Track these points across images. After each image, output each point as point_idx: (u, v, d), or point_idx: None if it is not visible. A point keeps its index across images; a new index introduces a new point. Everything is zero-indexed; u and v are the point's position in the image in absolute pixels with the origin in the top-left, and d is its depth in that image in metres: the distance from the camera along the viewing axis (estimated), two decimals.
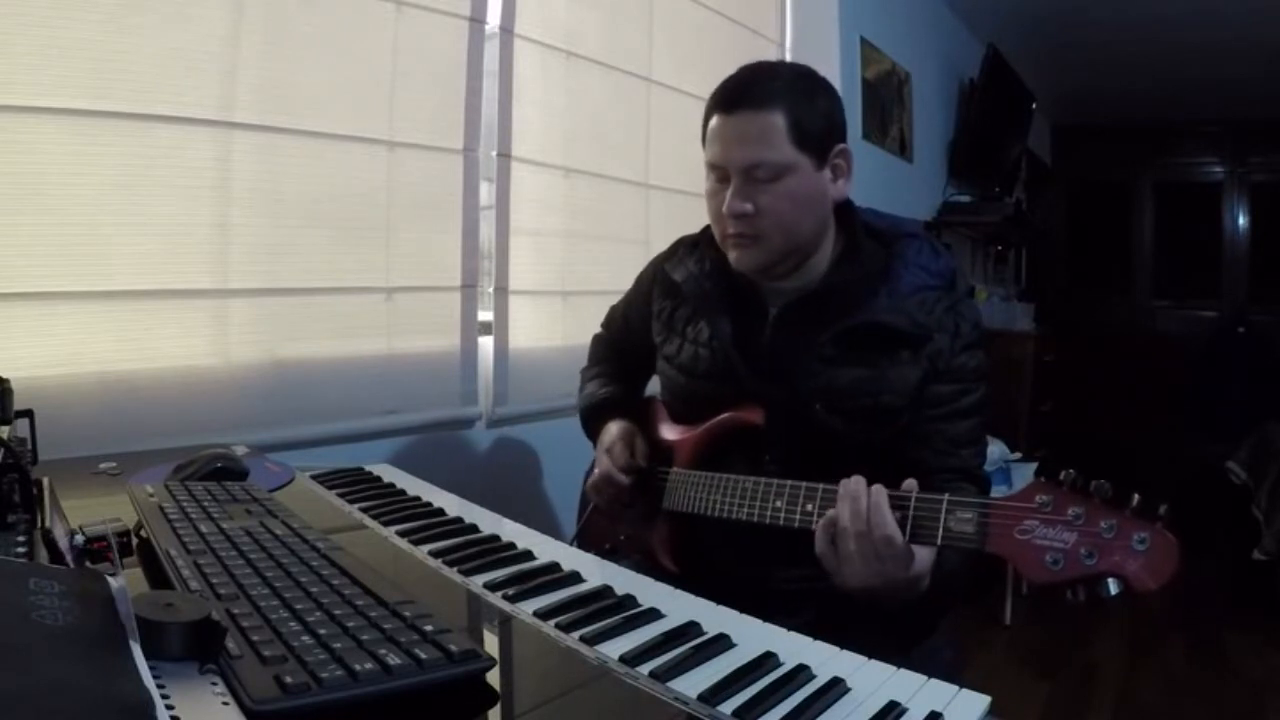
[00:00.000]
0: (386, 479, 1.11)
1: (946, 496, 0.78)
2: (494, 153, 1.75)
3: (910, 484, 0.81)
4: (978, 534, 0.75)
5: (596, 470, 1.14)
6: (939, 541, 0.78)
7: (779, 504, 0.91)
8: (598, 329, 1.40)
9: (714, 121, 0.98)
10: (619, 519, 1.17)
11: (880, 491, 0.81)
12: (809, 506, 0.88)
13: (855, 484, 0.82)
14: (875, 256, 1.02)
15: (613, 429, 1.16)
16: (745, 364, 1.02)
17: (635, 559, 1.10)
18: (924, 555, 0.82)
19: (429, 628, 0.51)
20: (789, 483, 0.91)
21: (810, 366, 0.98)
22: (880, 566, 0.80)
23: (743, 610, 0.71)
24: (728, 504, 0.97)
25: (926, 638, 0.99)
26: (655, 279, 1.19)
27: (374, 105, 1.52)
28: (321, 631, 0.49)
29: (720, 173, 0.98)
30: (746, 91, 0.95)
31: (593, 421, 1.22)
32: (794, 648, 0.64)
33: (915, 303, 0.97)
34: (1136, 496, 0.68)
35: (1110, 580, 0.67)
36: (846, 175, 1.01)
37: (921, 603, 0.86)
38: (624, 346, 1.30)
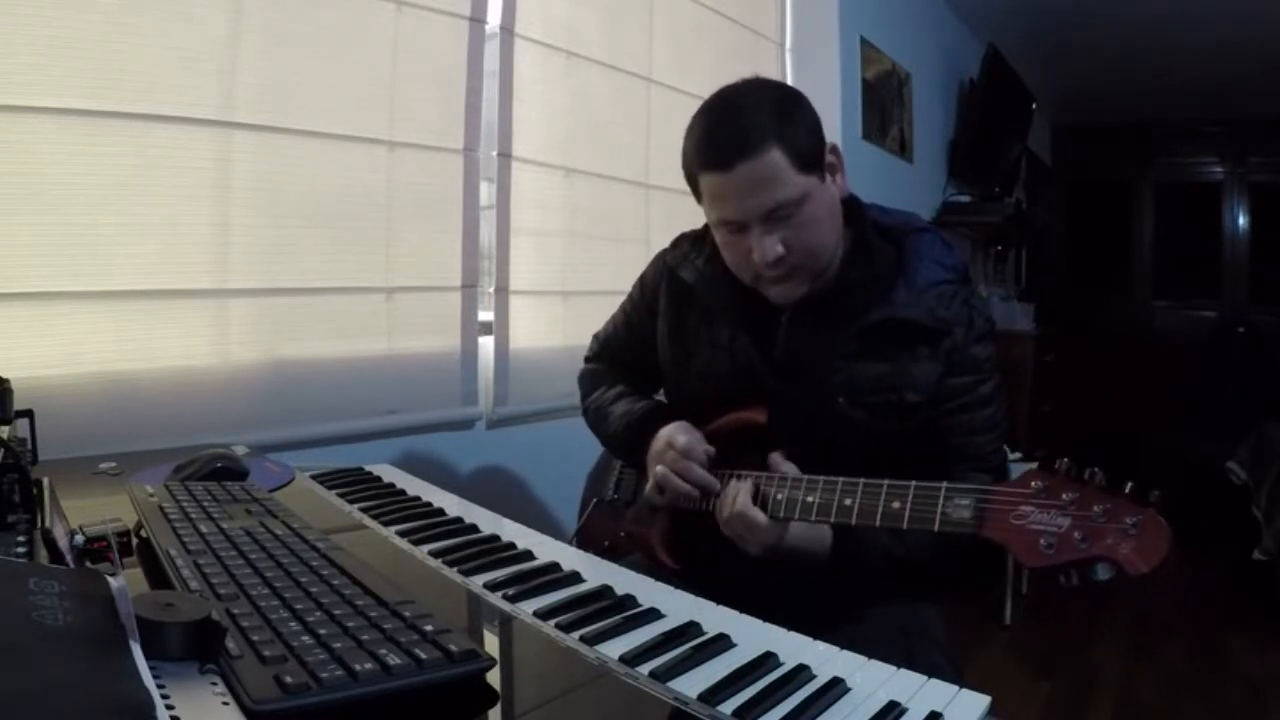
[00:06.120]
0: (386, 479, 1.11)
1: (945, 485, 0.80)
2: (494, 153, 1.75)
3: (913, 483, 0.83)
4: (974, 520, 0.77)
5: (675, 479, 1.03)
6: (936, 528, 0.79)
7: (779, 496, 0.92)
8: (600, 327, 1.33)
9: (711, 180, 0.95)
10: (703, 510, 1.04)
11: (745, 486, 0.94)
12: (810, 499, 0.89)
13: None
14: (887, 254, 1.02)
15: (667, 431, 1.05)
16: (763, 363, 1.02)
17: (634, 558, 1.10)
18: (801, 534, 0.94)
19: (429, 628, 0.51)
20: (790, 477, 0.92)
21: (831, 364, 0.98)
22: (752, 538, 0.94)
23: (743, 610, 0.71)
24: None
25: (924, 633, 0.99)
26: (662, 278, 1.16)
27: (374, 105, 1.52)
28: (321, 631, 0.49)
29: (734, 225, 0.96)
30: (736, 142, 0.91)
31: (643, 436, 1.09)
32: (794, 648, 0.64)
33: (933, 296, 0.98)
34: (1130, 484, 0.69)
35: (1100, 565, 0.68)
36: (841, 170, 1.00)
37: (837, 563, 0.95)
38: (628, 361, 1.25)
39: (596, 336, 1.33)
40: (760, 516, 0.92)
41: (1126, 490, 0.69)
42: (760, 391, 1.02)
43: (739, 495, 0.94)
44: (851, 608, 0.95)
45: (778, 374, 1.02)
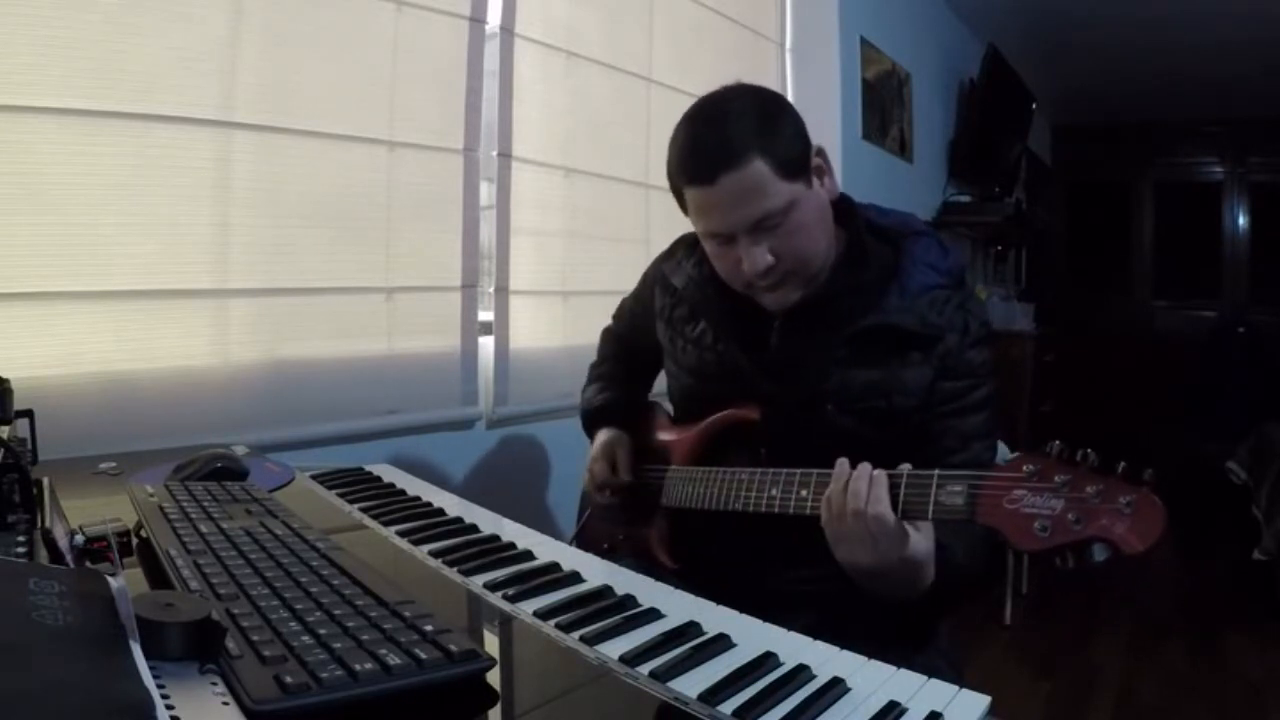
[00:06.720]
0: (386, 479, 1.11)
1: (936, 472, 0.78)
2: (494, 153, 1.75)
3: (905, 466, 0.82)
4: (967, 506, 0.75)
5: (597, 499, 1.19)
6: (930, 516, 0.78)
7: (774, 492, 0.91)
8: (600, 327, 1.40)
9: (695, 194, 0.94)
10: (616, 522, 1.18)
11: (881, 473, 0.81)
12: (803, 492, 0.88)
13: (857, 465, 0.83)
14: (882, 257, 1.01)
15: (599, 439, 1.18)
16: (754, 367, 1.02)
17: (634, 559, 1.10)
18: (921, 544, 0.81)
19: (429, 628, 0.51)
20: (784, 470, 0.91)
21: (823, 369, 0.97)
22: (874, 545, 0.80)
23: (743, 610, 0.71)
24: (723, 496, 0.97)
25: (927, 641, 0.99)
26: (656, 283, 1.19)
27: (374, 105, 1.52)
28: (321, 631, 0.49)
29: (722, 237, 0.96)
30: (719, 155, 0.90)
31: (591, 427, 1.24)
32: (794, 648, 0.64)
33: (926, 302, 0.97)
34: (1122, 464, 0.68)
35: (1096, 545, 0.67)
36: (830, 172, 0.99)
37: (925, 598, 0.86)
38: (630, 342, 1.31)
39: (624, 300, 1.37)
40: (894, 518, 0.79)
41: (1119, 470, 0.68)
42: (751, 394, 1.02)
43: (875, 489, 0.80)
44: (851, 608, 0.95)
45: (772, 378, 1.01)
